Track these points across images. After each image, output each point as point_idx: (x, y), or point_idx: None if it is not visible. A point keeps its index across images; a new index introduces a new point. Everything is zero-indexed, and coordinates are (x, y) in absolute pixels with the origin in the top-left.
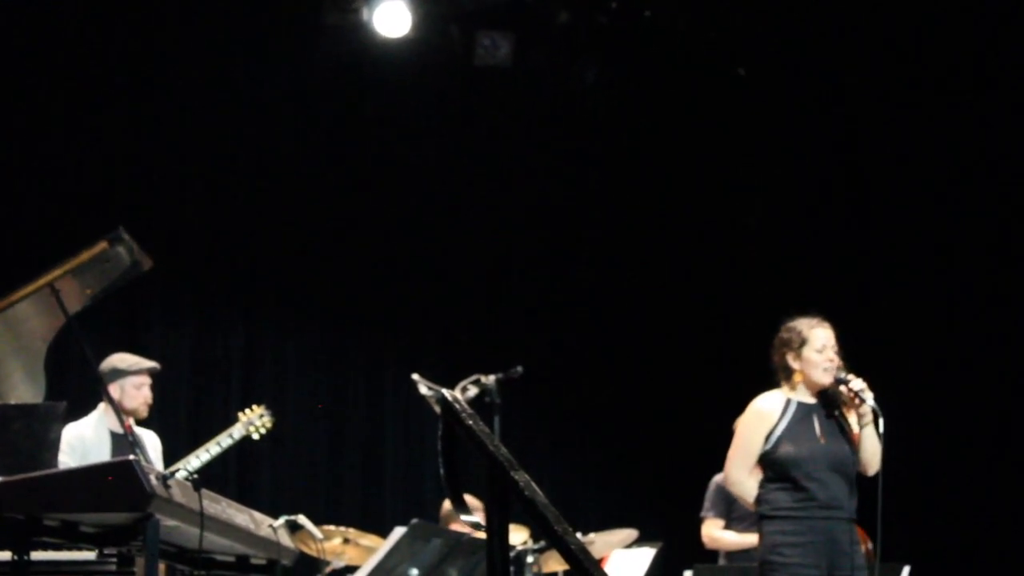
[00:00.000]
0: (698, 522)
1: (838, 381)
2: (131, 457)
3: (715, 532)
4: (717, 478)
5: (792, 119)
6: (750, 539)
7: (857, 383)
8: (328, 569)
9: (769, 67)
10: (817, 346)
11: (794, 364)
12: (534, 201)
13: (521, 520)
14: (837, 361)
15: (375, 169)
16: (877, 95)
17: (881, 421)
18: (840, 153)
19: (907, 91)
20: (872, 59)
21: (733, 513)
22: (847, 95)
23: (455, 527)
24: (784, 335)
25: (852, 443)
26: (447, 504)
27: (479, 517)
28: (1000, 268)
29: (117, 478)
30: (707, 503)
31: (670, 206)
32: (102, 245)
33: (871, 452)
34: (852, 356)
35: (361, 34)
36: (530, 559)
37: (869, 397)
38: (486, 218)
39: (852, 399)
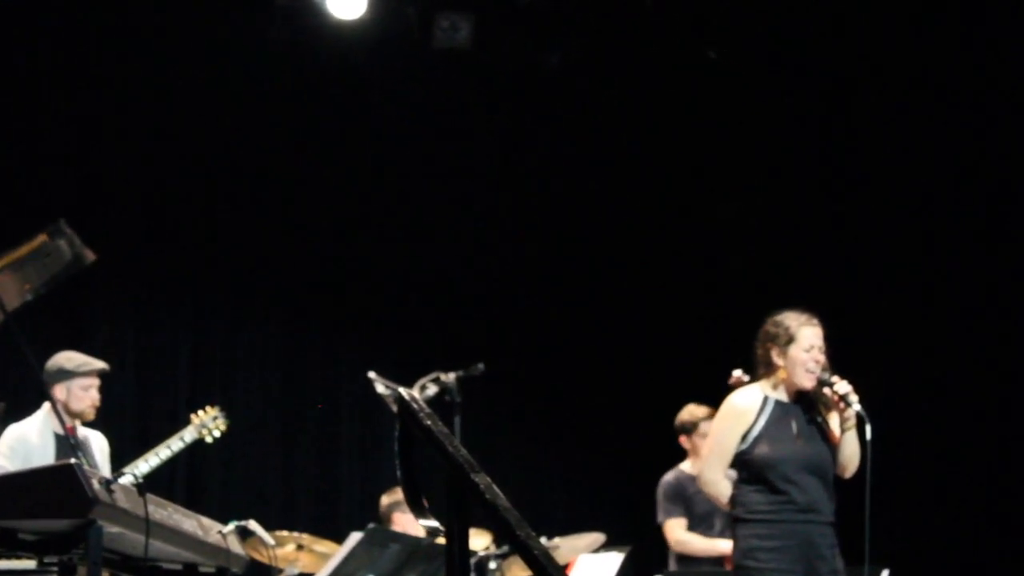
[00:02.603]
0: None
1: (822, 383)
2: (72, 461)
3: (681, 534)
4: (667, 477)
5: (766, 103)
6: (722, 545)
7: (842, 386)
8: None
9: (741, 49)
10: (805, 345)
11: (778, 360)
12: (495, 191)
13: (483, 525)
14: (823, 361)
15: (329, 158)
16: (858, 78)
17: (868, 427)
18: (820, 141)
19: (891, 76)
20: (852, 40)
21: (694, 511)
22: (825, 79)
23: (397, 519)
24: (771, 329)
25: (831, 444)
26: (385, 499)
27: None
28: (985, 267)
29: (57, 483)
30: (664, 504)
31: (638, 197)
32: (42, 238)
33: (849, 455)
34: (829, 355)
35: (313, 15)
36: (492, 565)
37: (855, 401)
38: (445, 209)
39: (836, 402)
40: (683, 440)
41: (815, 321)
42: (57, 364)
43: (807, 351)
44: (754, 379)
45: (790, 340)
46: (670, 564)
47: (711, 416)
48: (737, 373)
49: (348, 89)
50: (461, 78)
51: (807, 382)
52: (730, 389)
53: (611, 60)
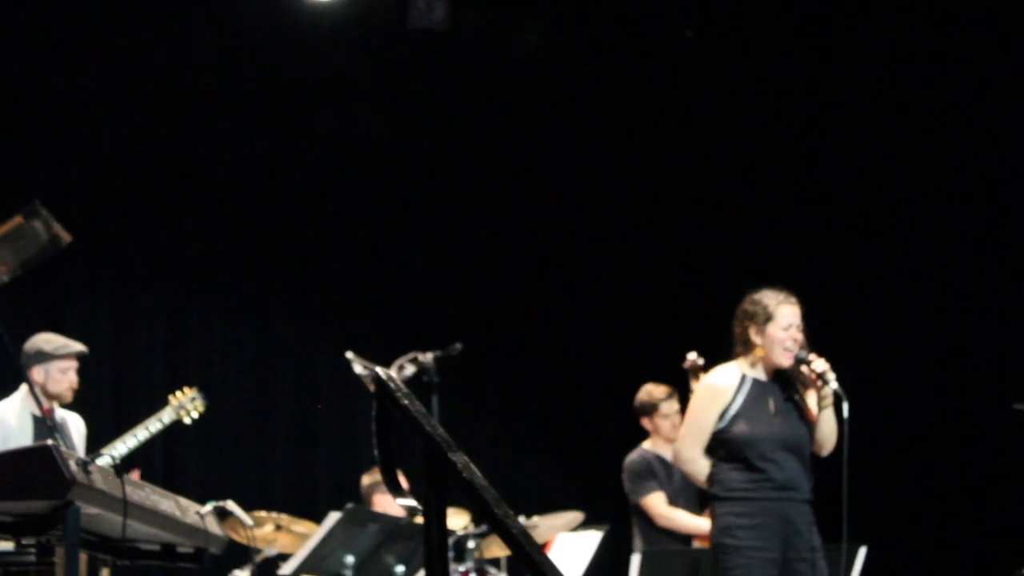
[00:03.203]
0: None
1: (799, 361)
2: (50, 442)
3: (665, 508)
4: (632, 456)
5: (742, 82)
6: (706, 525)
7: (820, 364)
8: (259, 557)
9: (716, 28)
10: (783, 324)
11: (756, 339)
12: (472, 172)
13: (461, 504)
14: (801, 340)
15: (304, 141)
16: (833, 59)
17: (845, 405)
18: (796, 120)
19: (869, 57)
20: (827, 20)
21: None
22: (802, 58)
23: (378, 500)
24: (749, 307)
25: (808, 422)
26: (365, 479)
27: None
28: (962, 244)
29: (35, 464)
30: (636, 482)
31: (615, 177)
32: (17, 220)
33: (827, 433)
34: (807, 334)
35: None
36: (471, 544)
37: (832, 379)
38: (421, 189)
39: (814, 380)
40: (644, 421)
41: (793, 299)
42: (36, 346)
43: (785, 329)
44: (730, 357)
45: (768, 318)
46: (636, 544)
47: (670, 396)
48: (692, 356)
49: (323, 70)
50: (437, 58)
51: (785, 360)
52: (685, 372)
53: (587, 39)
